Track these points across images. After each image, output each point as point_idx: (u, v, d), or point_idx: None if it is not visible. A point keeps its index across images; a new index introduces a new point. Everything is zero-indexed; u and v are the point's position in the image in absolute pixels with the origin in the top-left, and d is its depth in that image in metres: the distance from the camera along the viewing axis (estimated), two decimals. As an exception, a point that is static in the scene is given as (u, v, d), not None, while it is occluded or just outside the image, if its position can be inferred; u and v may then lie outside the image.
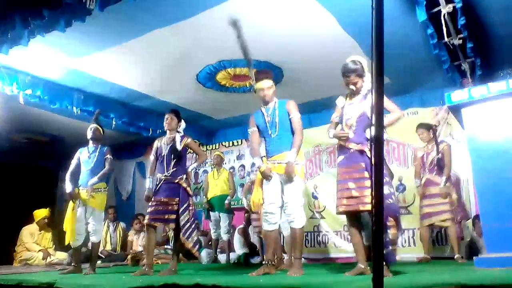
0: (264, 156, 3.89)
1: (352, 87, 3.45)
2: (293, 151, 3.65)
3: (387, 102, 3.32)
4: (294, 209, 3.62)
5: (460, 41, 4.30)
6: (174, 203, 4.25)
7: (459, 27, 4.03)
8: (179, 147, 4.35)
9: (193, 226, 4.22)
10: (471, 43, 4.37)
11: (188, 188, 4.33)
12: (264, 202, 3.78)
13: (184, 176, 4.34)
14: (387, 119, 3.29)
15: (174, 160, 4.35)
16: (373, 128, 1.64)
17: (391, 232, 3.06)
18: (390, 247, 3.07)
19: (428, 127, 5.47)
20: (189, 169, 4.47)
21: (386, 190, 3.12)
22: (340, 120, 3.56)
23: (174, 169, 4.34)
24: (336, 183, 3.48)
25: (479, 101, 3.13)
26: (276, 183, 3.71)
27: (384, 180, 3.15)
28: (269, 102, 3.90)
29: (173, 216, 4.24)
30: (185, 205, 4.23)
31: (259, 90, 3.88)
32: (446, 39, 4.18)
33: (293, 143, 3.69)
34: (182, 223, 4.19)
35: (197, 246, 4.29)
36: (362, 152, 3.29)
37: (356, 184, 3.26)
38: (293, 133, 3.77)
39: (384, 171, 3.18)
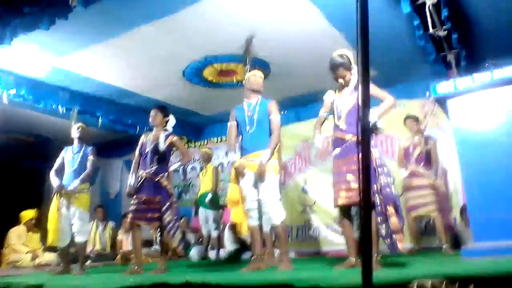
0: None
1: (340, 80, 3.45)
2: (267, 152, 3.65)
3: (378, 90, 3.33)
4: (271, 205, 3.61)
5: (445, 33, 4.32)
6: (156, 201, 4.19)
7: (442, 18, 4.05)
8: (162, 146, 4.27)
9: (176, 225, 4.16)
10: (456, 34, 4.40)
11: (169, 187, 4.24)
12: (245, 199, 3.79)
13: (166, 175, 4.24)
14: (381, 108, 3.30)
15: (156, 157, 4.29)
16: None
17: (391, 221, 3.05)
18: (394, 236, 3.05)
19: (416, 118, 5.49)
20: (170, 169, 4.35)
21: (384, 179, 3.13)
22: (332, 114, 3.54)
23: (156, 167, 4.27)
24: (332, 175, 3.46)
25: (465, 92, 3.15)
26: (250, 180, 3.72)
27: (383, 169, 3.17)
28: (257, 93, 3.89)
29: (156, 215, 4.18)
30: (167, 204, 4.16)
31: (255, 76, 3.90)
32: (431, 30, 4.20)
33: (269, 144, 3.69)
34: (164, 222, 4.14)
35: (181, 245, 4.23)
36: (358, 143, 3.24)
37: (354, 176, 3.21)
38: (270, 133, 3.76)
39: (382, 161, 3.23)
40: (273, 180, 3.68)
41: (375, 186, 3.09)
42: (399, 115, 5.70)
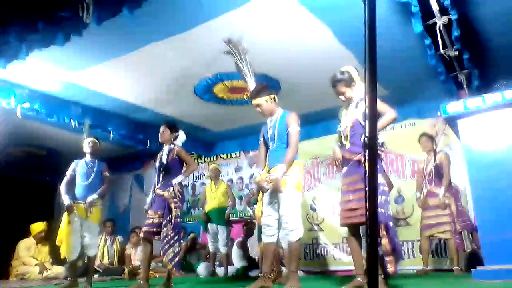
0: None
1: (341, 97, 3.44)
2: (282, 166, 3.57)
3: (380, 104, 3.25)
4: (290, 222, 3.56)
5: (456, 53, 4.32)
6: (159, 216, 4.19)
7: (453, 38, 4.05)
8: (164, 160, 4.31)
9: (171, 242, 4.07)
10: (467, 54, 4.39)
11: (171, 200, 4.18)
12: (262, 215, 3.75)
13: (171, 189, 4.22)
14: (380, 122, 3.20)
15: (163, 172, 4.32)
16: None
17: (383, 242, 2.98)
18: (386, 258, 2.99)
19: (431, 137, 5.46)
20: (174, 182, 4.23)
21: (379, 198, 3.08)
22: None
23: (163, 182, 4.30)
24: (337, 194, 3.46)
25: (475, 112, 3.14)
26: (271, 195, 3.68)
27: (382, 189, 3.14)
28: (271, 115, 3.87)
29: (159, 230, 4.19)
30: (167, 219, 4.13)
31: (255, 108, 3.88)
32: (442, 50, 4.20)
33: (284, 157, 3.61)
34: (161, 237, 4.12)
35: (173, 262, 4.09)
36: (359, 162, 3.22)
37: (354, 195, 3.22)
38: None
39: (381, 181, 3.19)
40: (293, 195, 3.61)
41: None
42: (410, 134, 5.70)
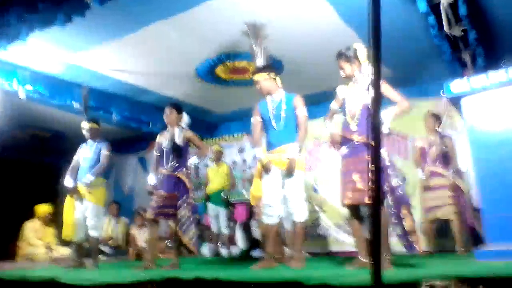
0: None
1: (341, 72, 3.42)
2: (295, 146, 3.61)
3: (392, 93, 3.24)
4: (296, 202, 3.59)
5: (461, 32, 4.27)
6: (174, 197, 4.23)
7: (460, 17, 3.99)
8: (178, 140, 4.32)
9: (190, 220, 4.17)
10: (474, 33, 4.33)
11: (187, 181, 4.26)
12: (263, 195, 3.77)
13: (184, 170, 4.30)
14: (393, 112, 3.19)
15: (174, 154, 4.33)
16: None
17: (406, 223, 3.02)
18: (411, 238, 3.03)
19: (437, 116, 5.42)
20: (190, 164, 4.37)
21: (395, 181, 3.10)
22: (342, 111, 3.51)
23: (174, 162, 4.32)
24: (339, 175, 3.43)
25: (479, 91, 3.12)
26: (275, 176, 3.68)
27: (393, 170, 3.15)
28: (268, 94, 3.86)
29: (174, 211, 4.22)
30: (183, 200, 4.19)
31: (255, 83, 3.86)
32: (446, 29, 4.14)
33: (298, 139, 3.65)
34: (179, 217, 4.18)
35: (193, 240, 4.21)
36: (366, 143, 3.19)
37: (359, 176, 3.19)
38: (296, 128, 3.72)
39: (390, 163, 3.20)
40: (300, 177, 3.65)
41: (384, 186, 3.07)
42: (413, 115, 5.64)
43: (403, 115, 3.27)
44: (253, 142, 4.00)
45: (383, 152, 3.18)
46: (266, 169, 3.71)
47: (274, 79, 3.86)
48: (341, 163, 3.43)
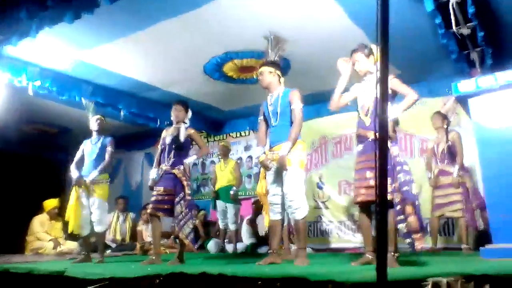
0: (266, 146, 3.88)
1: (356, 65, 3.43)
2: (287, 144, 3.57)
3: (401, 85, 3.25)
4: (294, 200, 3.59)
5: (469, 31, 4.25)
6: (170, 193, 4.26)
7: (469, 16, 3.98)
8: (181, 138, 4.35)
9: (186, 217, 4.16)
10: (482, 32, 4.31)
11: (183, 179, 4.26)
12: (268, 193, 3.79)
13: (182, 167, 4.29)
14: (403, 103, 3.22)
15: (175, 150, 4.36)
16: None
17: (410, 220, 3.01)
18: (413, 236, 3.02)
19: (444, 116, 5.43)
20: (187, 162, 4.37)
21: (403, 177, 3.09)
22: (355, 108, 3.51)
23: (174, 159, 4.34)
24: (344, 173, 3.45)
25: (487, 91, 3.11)
26: (275, 173, 3.70)
27: (402, 167, 3.15)
28: (269, 89, 3.86)
29: (170, 206, 4.26)
30: (179, 196, 4.20)
31: (258, 74, 3.88)
32: (454, 28, 4.13)
33: (289, 135, 3.61)
34: (175, 214, 4.20)
35: (189, 238, 4.18)
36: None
37: (373, 173, 3.15)
38: (292, 124, 3.70)
39: (402, 159, 3.20)
40: (298, 174, 3.62)
41: (394, 184, 3.07)
42: (420, 113, 5.64)
43: (412, 106, 3.26)
44: (257, 141, 4.05)
45: (395, 148, 3.19)
46: (264, 167, 3.75)
47: (279, 76, 3.87)
48: (355, 160, 3.45)
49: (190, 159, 4.42)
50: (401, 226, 3.04)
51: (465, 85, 3.21)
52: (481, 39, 4.38)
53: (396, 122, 3.24)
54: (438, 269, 2.29)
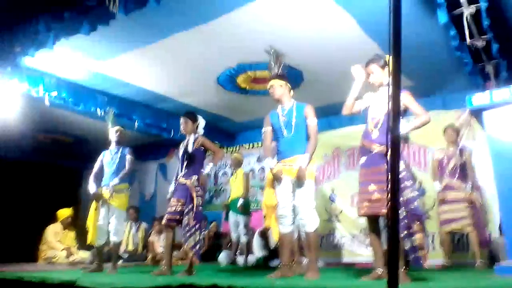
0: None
1: (371, 76, 3.41)
2: (306, 156, 3.62)
3: (414, 105, 3.22)
4: (306, 212, 3.58)
5: (484, 43, 4.21)
6: (183, 204, 4.28)
7: (484, 28, 3.94)
8: (190, 148, 4.39)
9: (192, 230, 4.14)
10: (497, 45, 4.27)
11: (193, 189, 4.26)
12: (278, 205, 3.78)
13: (195, 177, 4.31)
14: (412, 123, 3.21)
15: (187, 162, 4.39)
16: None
17: (417, 236, 2.97)
18: (418, 252, 2.97)
19: (457, 129, 5.39)
20: (204, 172, 4.37)
21: (410, 193, 3.05)
22: (365, 119, 3.48)
23: (186, 170, 4.38)
24: (357, 185, 3.41)
25: (501, 104, 3.08)
26: (287, 185, 3.69)
27: (409, 183, 3.10)
28: (281, 101, 3.89)
29: (181, 218, 4.27)
30: (188, 207, 4.21)
31: (269, 88, 3.91)
32: (468, 41, 4.10)
33: (308, 148, 3.67)
34: (182, 225, 4.20)
35: (195, 249, 4.15)
36: (384, 153, 3.16)
37: (377, 186, 3.16)
38: (307, 137, 3.73)
39: (407, 174, 3.16)
40: (310, 186, 3.64)
41: (400, 198, 3.03)
42: (433, 126, 5.56)
43: (421, 127, 3.25)
44: (263, 151, 4.04)
45: (401, 163, 3.15)
46: (276, 178, 3.74)
47: (289, 89, 3.92)
48: (359, 172, 3.42)
49: (207, 169, 4.42)
50: (406, 242, 2.98)
51: (479, 98, 3.18)
52: (496, 51, 4.34)
53: (405, 139, 3.20)
54: (450, 286, 2.26)
